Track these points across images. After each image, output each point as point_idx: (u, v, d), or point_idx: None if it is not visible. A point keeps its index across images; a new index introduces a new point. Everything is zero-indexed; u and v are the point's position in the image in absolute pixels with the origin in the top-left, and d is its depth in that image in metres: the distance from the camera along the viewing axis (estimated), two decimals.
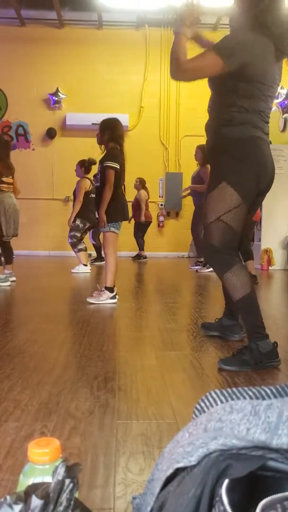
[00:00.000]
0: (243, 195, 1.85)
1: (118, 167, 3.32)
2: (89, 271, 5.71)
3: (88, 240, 6.60)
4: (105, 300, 3.36)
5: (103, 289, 3.41)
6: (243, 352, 1.86)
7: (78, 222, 5.71)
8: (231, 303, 2.27)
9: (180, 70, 1.82)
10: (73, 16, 8.38)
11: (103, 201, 3.29)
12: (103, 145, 3.44)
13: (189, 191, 6.15)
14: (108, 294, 3.38)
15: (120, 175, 3.36)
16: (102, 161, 3.36)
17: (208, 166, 5.31)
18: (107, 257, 3.45)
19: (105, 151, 3.42)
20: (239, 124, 1.84)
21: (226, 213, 1.85)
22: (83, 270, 5.64)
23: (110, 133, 3.38)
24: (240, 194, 1.84)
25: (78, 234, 5.75)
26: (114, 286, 3.41)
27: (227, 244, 1.89)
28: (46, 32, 8.55)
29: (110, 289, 3.39)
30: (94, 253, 7.25)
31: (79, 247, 5.74)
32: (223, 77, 1.82)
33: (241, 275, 1.88)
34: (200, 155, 5.74)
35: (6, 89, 8.61)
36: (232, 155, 1.86)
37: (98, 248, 7.00)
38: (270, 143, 2.01)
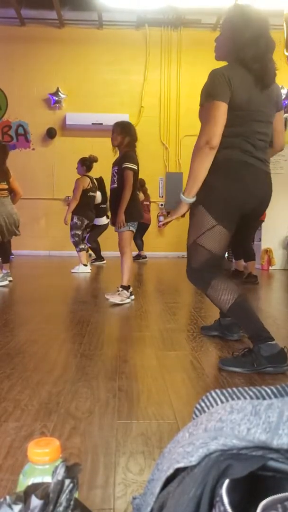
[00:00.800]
0: (217, 217, 1.87)
1: (136, 168, 3.46)
2: (89, 271, 5.71)
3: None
4: (126, 300, 3.40)
5: (120, 288, 3.44)
6: (244, 354, 1.85)
7: (75, 220, 5.70)
8: None
9: (208, 146, 1.80)
10: (73, 16, 8.38)
11: (122, 202, 3.37)
12: (116, 147, 3.53)
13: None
14: (126, 293, 3.43)
15: (136, 177, 3.49)
16: (118, 163, 3.46)
17: None
18: (125, 256, 3.51)
19: (121, 154, 3.52)
20: (222, 149, 1.85)
21: (200, 236, 1.91)
22: (83, 270, 5.63)
23: (130, 139, 3.55)
24: (213, 216, 1.87)
25: (79, 232, 5.76)
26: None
27: (205, 265, 1.93)
28: (46, 32, 8.54)
29: (127, 288, 3.44)
30: (93, 254, 7.25)
31: (81, 246, 5.75)
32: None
33: (221, 289, 1.90)
34: None
35: (6, 89, 8.61)
36: (209, 178, 1.88)
37: (95, 249, 6.99)
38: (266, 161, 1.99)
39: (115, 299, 3.35)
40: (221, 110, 1.79)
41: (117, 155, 3.58)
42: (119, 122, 3.62)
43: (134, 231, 3.56)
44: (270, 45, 1.87)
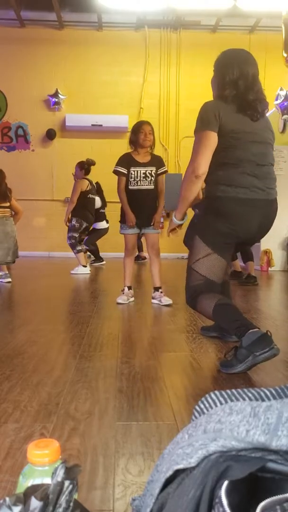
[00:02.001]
0: (212, 247, 2.03)
1: None
2: (89, 272, 5.71)
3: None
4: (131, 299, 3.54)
5: (160, 289, 3.50)
6: (233, 353, 1.82)
7: (74, 222, 5.70)
8: None
9: (194, 175, 1.98)
10: (73, 17, 8.38)
11: (162, 203, 3.50)
12: (146, 147, 3.47)
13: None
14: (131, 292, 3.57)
15: None
16: (154, 165, 3.45)
17: None
18: (159, 257, 3.56)
19: (153, 155, 3.50)
20: (219, 183, 1.99)
21: (195, 262, 2.07)
22: (82, 271, 5.63)
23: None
24: (208, 246, 2.04)
25: (76, 235, 5.74)
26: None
27: (198, 287, 2.06)
28: (46, 33, 8.55)
29: (159, 288, 3.54)
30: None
31: (78, 248, 5.73)
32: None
33: (203, 299, 2.02)
34: None
35: (6, 90, 8.62)
36: (206, 211, 2.07)
37: (93, 251, 6.98)
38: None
39: (167, 300, 3.39)
40: (210, 138, 1.95)
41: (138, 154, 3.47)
42: (148, 122, 3.53)
43: None
44: (249, 84, 2.00)
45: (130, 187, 3.43)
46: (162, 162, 3.54)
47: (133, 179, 3.43)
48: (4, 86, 8.59)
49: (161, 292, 3.46)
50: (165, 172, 3.54)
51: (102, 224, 6.82)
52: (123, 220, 3.49)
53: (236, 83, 1.98)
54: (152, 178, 3.44)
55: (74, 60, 8.63)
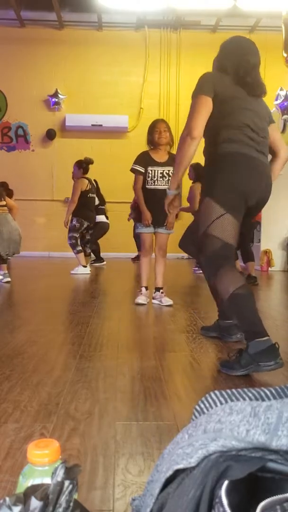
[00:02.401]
0: (224, 205, 1.91)
1: None
2: (89, 272, 5.71)
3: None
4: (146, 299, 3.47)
5: (161, 290, 3.46)
6: (237, 355, 1.80)
7: (74, 222, 5.69)
8: (221, 304, 2.33)
9: (189, 137, 1.96)
10: (73, 17, 8.39)
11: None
12: (163, 145, 3.41)
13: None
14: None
15: None
16: (171, 164, 3.31)
17: (193, 186, 5.40)
18: (165, 258, 3.53)
19: (170, 154, 3.41)
20: (221, 142, 1.96)
21: (209, 225, 1.94)
22: (82, 271, 5.63)
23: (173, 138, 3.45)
24: (220, 205, 1.92)
25: (77, 235, 5.73)
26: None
27: (217, 254, 1.93)
28: (46, 33, 8.55)
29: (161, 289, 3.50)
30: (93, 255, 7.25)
31: (78, 248, 5.73)
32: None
33: (223, 278, 1.87)
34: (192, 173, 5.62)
35: (6, 90, 8.62)
36: (212, 170, 2.00)
37: (95, 250, 6.99)
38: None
39: (168, 301, 3.36)
40: (204, 103, 1.94)
41: (157, 153, 3.43)
42: (163, 120, 3.49)
43: None
44: (248, 70, 2.01)
45: (147, 186, 3.41)
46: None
47: (150, 179, 3.40)
48: (4, 86, 8.59)
49: (162, 293, 3.45)
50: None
51: (101, 218, 6.82)
52: (139, 219, 3.48)
53: (237, 68, 2.01)
54: (169, 178, 3.36)
55: (74, 60, 8.63)
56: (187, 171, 5.81)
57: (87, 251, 6.05)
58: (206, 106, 1.95)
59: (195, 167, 5.07)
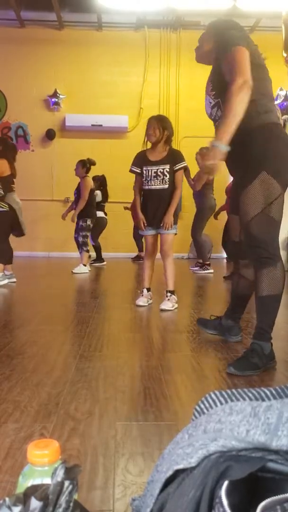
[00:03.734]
0: (282, 184, 1.77)
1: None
2: (88, 271, 5.76)
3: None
4: (176, 304, 3.30)
5: (169, 294, 3.34)
6: (250, 355, 1.82)
7: (88, 222, 5.88)
8: (236, 306, 2.27)
9: (246, 86, 1.70)
10: (73, 17, 8.39)
11: (175, 203, 3.26)
12: (151, 143, 3.29)
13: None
14: (175, 298, 3.33)
15: None
16: (168, 162, 3.26)
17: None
18: (169, 259, 3.39)
19: (168, 151, 3.29)
20: (262, 113, 1.80)
21: (268, 206, 1.76)
22: (84, 270, 5.72)
23: (170, 133, 3.29)
24: (280, 183, 1.76)
25: (89, 233, 5.96)
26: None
27: (273, 238, 1.81)
28: (45, 34, 8.55)
29: (173, 292, 3.36)
30: (93, 254, 7.25)
31: (87, 248, 5.91)
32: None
33: (281, 273, 1.81)
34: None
35: (6, 90, 8.62)
36: (266, 141, 1.78)
37: (98, 249, 7.02)
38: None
39: (167, 306, 3.21)
40: (246, 55, 1.73)
41: (149, 151, 3.35)
42: (156, 116, 3.37)
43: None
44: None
45: (144, 187, 3.35)
46: (178, 157, 3.27)
47: (145, 179, 3.33)
48: (4, 86, 8.59)
49: (166, 296, 3.34)
50: (184, 168, 3.29)
51: (100, 213, 6.88)
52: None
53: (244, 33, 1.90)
54: (165, 176, 3.24)
55: (74, 60, 8.63)
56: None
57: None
58: (248, 58, 1.72)
59: None
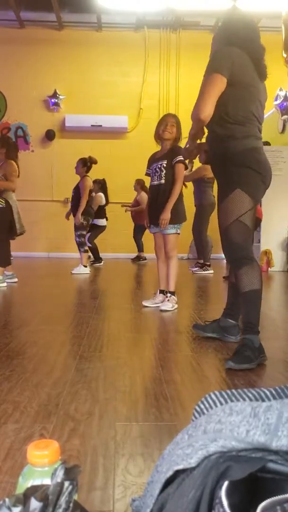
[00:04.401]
0: (253, 198, 2.04)
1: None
2: (88, 272, 5.75)
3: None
4: (175, 305, 3.26)
5: (169, 294, 3.32)
6: (243, 349, 1.91)
7: (82, 220, 5.81)
8: (234, 304, 2.30)
9: (197, 118, 1.99)
10: (73, 18, 8.39)
11: (172, 198, 3.17)
12: (166, 139, 3.26)
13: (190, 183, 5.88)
14: (175, 298, 3.30)
15: None
16: (166, 158, 3.22)
17: (206, 167, 5.27)
18: (172, 260, 3.33)
19: (167, 148, 3.27)
20: (241, 138, 2.01)
21: (243, 215, 2.03)
22: (83, 271, 5.70)
23: (180, 133, 3.29)
24: (251, 198, 2.03)
25: (85, 232, 5.91)
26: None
27: (246, 241, 2.06)
28: (45, 34, 8.55)
29: (174, 293, 3.33)
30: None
31: (86, 247, 5.89)
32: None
33: (257, 270, 2.02)
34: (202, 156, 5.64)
35: (5, 91, 8.62)
36: (242, 164, 2.02)
37: (94, 250, 7.02)
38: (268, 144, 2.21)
39: (167, 306, 3.19)
40: (217, 83, 1.94)
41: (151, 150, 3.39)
42: (174, 115, 3.37)
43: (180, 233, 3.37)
44: (262, 43, 2.05)
45: (150, 184, 3.36)
46: (176, 151, 3.21)
47: (151, 177, 3.34)
48: (3, 87, 8.59)
49: (166, 296, 3.33)
50: (181, 161, 3.18)
51: (102, 222, 6.89)
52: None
53: (252, 49, 2.01)
54: (162, 172, 3.20)
55: (73, 60, 8.63)
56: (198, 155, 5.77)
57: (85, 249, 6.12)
58: (219, 87, 1.94)
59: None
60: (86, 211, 5.80)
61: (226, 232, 2.08)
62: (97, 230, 6.91)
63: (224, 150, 2.05)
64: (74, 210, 5.83)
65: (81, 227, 5.82)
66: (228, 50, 1.97)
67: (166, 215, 3.16)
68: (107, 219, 7.10)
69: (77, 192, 5.78)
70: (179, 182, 3.21)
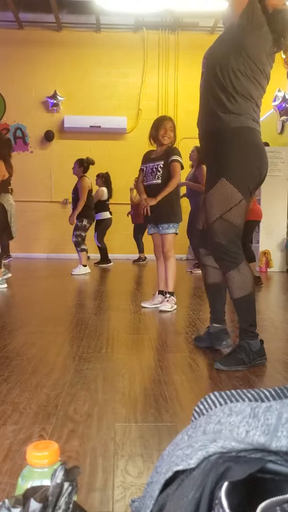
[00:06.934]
0: (242, 191, 1.83)
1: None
2: (89, 271, 5.76)
3: (90, 242, 6.62)
4: (174, 306, 3.25)
5: (167, 295, 3.30)
6: (237, 351, 1.89)
7: (84, 222, 5.82)
8: (213, 307, 2.19)
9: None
10: (71, 19, 8.40)
11: (166, 190, 3.17)
12: (165, 144, 3.29)
13: (184, 187, 5.95)
14: (174, 299, 3.29)
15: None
16: (162, 158, 3.24)
17: (204, 167, 5.28)
18: (170, 260, 3.32)
19: (163, 150, 3.28)
20: (237, 115, 1.83)
21: (227, 212, 1.84)
22: (83, 270, 5.71)
23: (175, 136, 3.35)
24: (239, 190, 1.82)
25: (84, 234, 5.89)
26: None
27: (233, 241, 1.88)
28: (44, 35, 8.56)
29: (173, 294, 3.32)
30: (93, 255, 7.25)
31: (82, 246, 5.85)
32: (226, 51, 1.84)
33: (246, 274, 1.88)
34: (196, 155, 5.69)
35: (4, 92, 8.62)
36: (226, 149, 1.84)
37: (104, 250, 7.01)
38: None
39: (165, 307, 3.18)
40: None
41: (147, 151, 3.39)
42: (170, 118, 3.38)
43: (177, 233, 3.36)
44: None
45: (144, 183, 3.35)
46: (171, 152, 3.25)
47: (145, 175, 3.34)
48: (2, 88, 8.59)
49: (165, 297, 3.32)
50: (176, 160, 3.21)
51: (106, 214, 6.87)
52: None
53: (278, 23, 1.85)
54: (159, 172, 3.23)
55: (72, 61, 8.64)
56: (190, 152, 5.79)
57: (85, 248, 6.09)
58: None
59: (200, 150, 5.04)
60: (87, 213, 5.80)
61: (209, 229, 1.92)
62: (103, 226, 6.87)
63: (217, 125, 1.87)
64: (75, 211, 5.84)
65: (80, 228, 5.82)
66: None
67: (153, 201, 3.18)
68: (111, 213, 7.06)
69: (76, 193, 5.78)
70: (175, 178, 3.22)
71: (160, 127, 3.26)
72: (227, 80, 1.83)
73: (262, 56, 1.85)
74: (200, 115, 2.00)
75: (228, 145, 1.83)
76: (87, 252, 6.04)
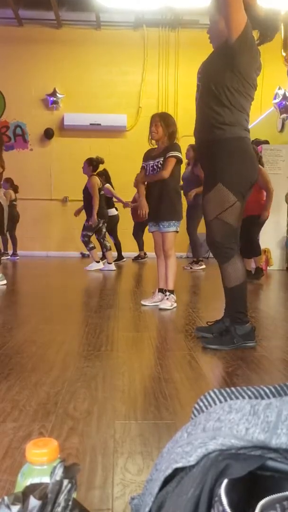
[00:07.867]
0: (236, 193, 2.04)
1: (181, 157, 3.27)
2: (102, 266, 5.96)
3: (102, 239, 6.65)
4: (174, 304, 3.25)
5: (167, 293, 3.30)
6: (222, 334, 2.13)
7: (90, 222, 5.88)
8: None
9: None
10: (71, 16, 8.38)
11: (156, 176, 3.21)
12: (155, 140, 3.30)
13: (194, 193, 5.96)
14: (174, 297, 3.29)
15: (179, 168, 3.34)
16: (162, 155, 3.23)
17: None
18: (170, 259, 3.32)
19: (162, 147, 3.27)
20: (231, 126, 2.03)
21: (222, 212, 2.06)
22: (96, 266, 5.91)
23: (172, 130, 3.31)
24: (233, 193, 2.04)
25: (90, 233, 5.98)
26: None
27: (227, 238, 2.10)
28: (44, 33, 8.54)
29: (173, 292, 3.32)
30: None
31: (91, 245, 5.98)
32: (220, 69, 2.03)
33: (238, 267, 2.11)
34: (192, 154, 5.70)
35: (4, 90, 8.61)
36: (224, 157, 2.04)
37: (118, 245, 7.11)
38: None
39: (166, 305, 3.19)
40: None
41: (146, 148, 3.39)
42: (159, 113, 3.39)
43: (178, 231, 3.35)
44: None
45: (145, 181, 3.36)
46: (171, 148, 3.23)
47: (146, 173, 3.34)
48: (2, 85, 8.58)
49: (165, 295, 3.32)
50: (173, 156, 3.20)
51: (112, 211, 6.90)
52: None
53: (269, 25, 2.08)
54: (159, 169, 3.22)
55: (72, 59, 8.62)
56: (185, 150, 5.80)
57: (107, 246, 6.14)
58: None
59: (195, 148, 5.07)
60: (99, 212, 5.84)
61: (207, 228, 2.17)
62: (113, 224, 6.90)
63: (213, 135, 2.06)
64: (86, 211, 5.91)
65: (88, 228, 5.90)
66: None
67: (146, 207, 3.28)
68: (117, 209, 7.07)
69: (86, 192, 5.83)
70: (165, 170, 3.18)
71: (151, 125, 3.29)
72: (222, 96, 2.02)
73: (252, 72, 2.04)
74: (197, 126, 2.18)
75: (224, 154, 2.04)
76: (106, 248, 6.10)
